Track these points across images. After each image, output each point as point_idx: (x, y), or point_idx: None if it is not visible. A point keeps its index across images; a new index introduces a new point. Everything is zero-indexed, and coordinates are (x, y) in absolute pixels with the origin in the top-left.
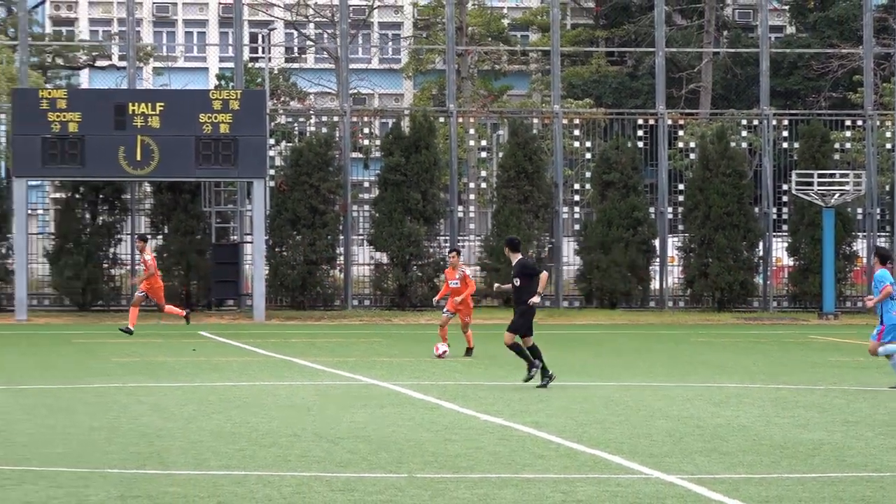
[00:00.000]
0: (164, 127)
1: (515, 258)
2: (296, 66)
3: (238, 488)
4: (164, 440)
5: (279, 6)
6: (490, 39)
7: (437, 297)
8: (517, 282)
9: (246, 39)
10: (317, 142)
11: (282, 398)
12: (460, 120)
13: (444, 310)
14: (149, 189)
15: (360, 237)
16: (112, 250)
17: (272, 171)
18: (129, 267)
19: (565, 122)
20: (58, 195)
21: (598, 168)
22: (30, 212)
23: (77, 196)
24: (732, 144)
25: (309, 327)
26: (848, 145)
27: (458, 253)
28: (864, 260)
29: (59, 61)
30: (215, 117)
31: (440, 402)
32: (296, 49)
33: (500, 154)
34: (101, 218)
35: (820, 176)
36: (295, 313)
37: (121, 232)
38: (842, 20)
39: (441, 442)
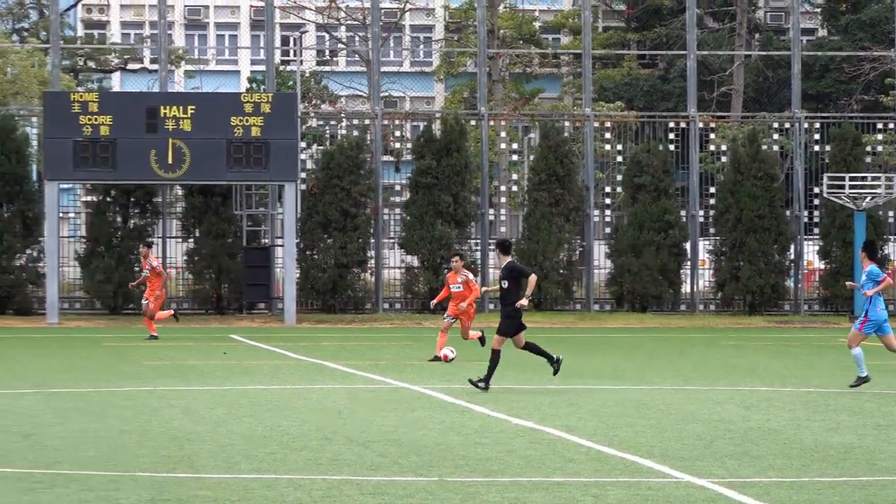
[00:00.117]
0: (196, 130)
1: (505, 260)
2: (327, 68)
3: (268, 492)
4: (195, 444)
5: (311, 9)
6: (521, 42)
7: (434, 301)
8: (504, 284)
9: (277, 42)
10: (348, 145)
11: (312, 401)
12: (491, 123)
13: (445, 315)
14: (180, 192)
15: (391, 240)
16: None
17: (303, 175)
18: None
19: (596, 124)
20: (89, 198)
21: (629, 171)
22: (61, 215)
23: (108, 199)
24: (764, 147)
25: (340, 331)
26: (879, 148)
27: (461, 257)
28: None
29: (91, 64)
30: (247, 120)
31: (470, 406)
32: (327, 52)
33: (531, 157)
34: (132, 221)
35: (851, 179)
36: (326, 316)
37: (152, 235)
38: (873, 23)
39: (471, 445)
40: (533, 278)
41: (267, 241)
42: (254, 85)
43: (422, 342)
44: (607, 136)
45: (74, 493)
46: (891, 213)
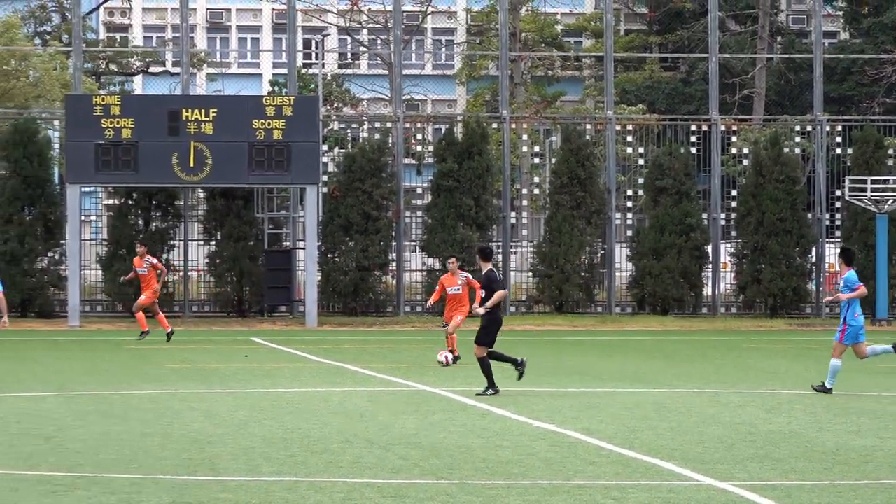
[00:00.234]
0: (218, 133)
1: (485, 268)
2: (349, 72)
3: (289, 494)
4: (216, 446)
5: (333, 12)
6: (543, 45)
7: (430, 302)
8: (482, 293)
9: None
10: (370, 148)
11: (334, 404)
12: (513, 126)
13: (444, 325)
14: (202, 195)
15: (413, 243)
16: (165, 256)
17: (325, 178)
18: (181, 273)
19: (618, 127)
20: (111, 201)
21: (650, 174)
22: (83, 218)
23: (130, 202)
24: (786, 150)
25: (361, 333)
26: None
27: (458, 259)
28: None
29: (113, 67)
30: (268, 123)
31: (491, 409)
32: (349, 55)
33: (553, 160)
34: (154, 224)
35: (873, 182)
36: (347, 319)
37: (174, 238)
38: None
39: (492, 448)
40: (500, 293)
41: (288, 244)
42: (276, 88)
43: (443, 345)
44: (629, 139)
45: (96, 496)
46: None
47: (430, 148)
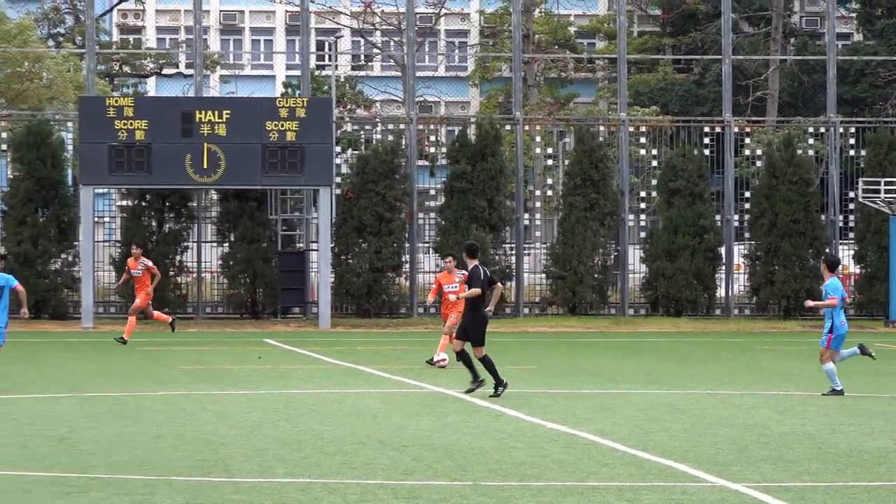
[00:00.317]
0: (231, 135)
1: (471, 264)
2: (362, 73)
3: (303, 496)
4: (229, 448)
5: (346, 14)
6: (556, 47)
7: (429, 299)
8: (466, 288)
9: (312, 47)
10: (383, 149)
11: (347, 406)
12: (526, 128)
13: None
14: (215, 197)
15: (426, 245)
16: (178, 258)
17: (338, 179)
18: (195, 275)
19: (631, 129)
20: (124, 203)
21: (664, 176)
22: (96, 219)
23: (143, 204)
24: (799, 152)
25: (374, 335)
26: None
27: (455, 258)
28: None
29: (126, 69)
30: (282, 125)
31: (504, 410)
32: (362, 57)
33: (566, 162)
34: (167, 226)
35: (887, 183)
36: (360, 321)
37: (187, 240)
38: None
39: (505, 450)
40: (474, 291)
41: (302, 245)
42: (289, 90)
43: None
44: (642, 140)
45: (109, 497)
46: None
47: (444, 150)
